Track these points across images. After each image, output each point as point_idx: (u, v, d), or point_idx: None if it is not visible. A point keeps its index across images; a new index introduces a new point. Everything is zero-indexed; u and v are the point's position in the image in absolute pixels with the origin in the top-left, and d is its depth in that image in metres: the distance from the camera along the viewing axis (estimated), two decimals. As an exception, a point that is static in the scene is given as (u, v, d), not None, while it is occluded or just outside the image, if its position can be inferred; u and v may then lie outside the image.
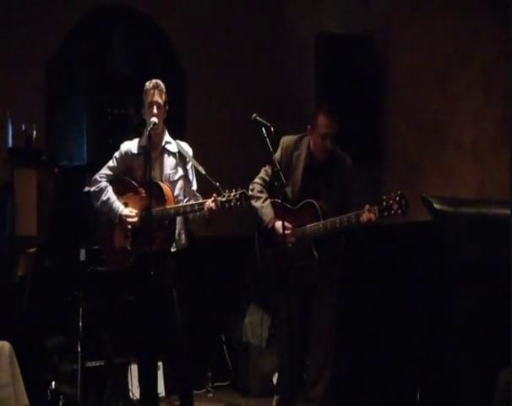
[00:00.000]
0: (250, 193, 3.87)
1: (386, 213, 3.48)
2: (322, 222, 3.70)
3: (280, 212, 3.81)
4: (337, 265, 3.93)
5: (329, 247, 3.79)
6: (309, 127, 3.86)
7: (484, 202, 3.42)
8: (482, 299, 2.91)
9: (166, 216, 3.84)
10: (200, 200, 3.86)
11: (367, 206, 3.56)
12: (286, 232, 3.67)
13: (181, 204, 3.92)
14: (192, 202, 3.89)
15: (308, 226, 3.75)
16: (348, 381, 4.55)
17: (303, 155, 3.89)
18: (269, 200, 3.96)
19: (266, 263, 3.97)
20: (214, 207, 3.70)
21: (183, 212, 3.88)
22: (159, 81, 3.98)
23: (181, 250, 4.01)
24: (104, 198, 4.00)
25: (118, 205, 3.98)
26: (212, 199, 3.72)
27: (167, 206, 3.84)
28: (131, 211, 3.94)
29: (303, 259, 3.78)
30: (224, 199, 3.68)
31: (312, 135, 3.85)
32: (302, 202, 3.81)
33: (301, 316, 3.90)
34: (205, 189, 3.95)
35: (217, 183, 3.76)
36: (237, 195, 3.67)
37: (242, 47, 5.97)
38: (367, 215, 3.54)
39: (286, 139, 3.97)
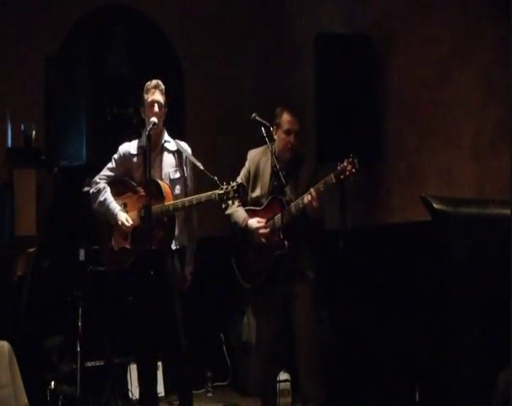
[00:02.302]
0: (223, 205, 4.00)
1: (342, 176, 3.76)
2: (286, 208, 3.95)
3: (251, 215, 4.12)
4: (312, 266, 4.10)
5: (298, 236, 3.99)
6: (274, 127, 4.12)
7: (484, 202, 3.41)
8: (482, 298, 2.90)
9: (165, 213, 3.85)
10: (198, 195, 3.88)
11: (310, 189, 3.85)
12: (260, 225, 4.01)
13: (179, 200, 3.93)
14: (190, 197, 3.91)
15: (275, 217, 3.99)
16: (348, 381, 4.54)
17: (270, 160, 4.12)
18: (241, 206, 4.18)
19: (245, 275, 4.16)
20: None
21: (182, 208, 3.88)
22: (160, 81, 4.02)
23: (181, 249, 4.01)
24: (101, 198, 4.01)
25: (115, 206, 3.99)
26: (211, 194, 3.71)
27: (166, 203, 3.86)
28: (127, 220, 3.95)
29: (276, 248, 3.98)
30: (222, 191, 3.69)
31: (277, 134, 4.13)
32: (268, 199, 4.09)
33: (282, 319, 4.07)
34: (204, 185, 3.97)
35: (215, 177, 3.77)
36: (235, 187, 3.68)
37: (242, 47, 5.97)
38: (305, 198, 3.83)
39: (252, 152, 4.28)
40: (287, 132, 4.08)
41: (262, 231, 4.01)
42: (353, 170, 3.74)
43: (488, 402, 2.77)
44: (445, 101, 4.18)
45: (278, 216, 3.96)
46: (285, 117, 4.10)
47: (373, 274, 4.62)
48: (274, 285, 4.01)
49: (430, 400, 4.00)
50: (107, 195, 4.03)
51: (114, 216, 3.97)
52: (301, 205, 3.87)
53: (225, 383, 5.47)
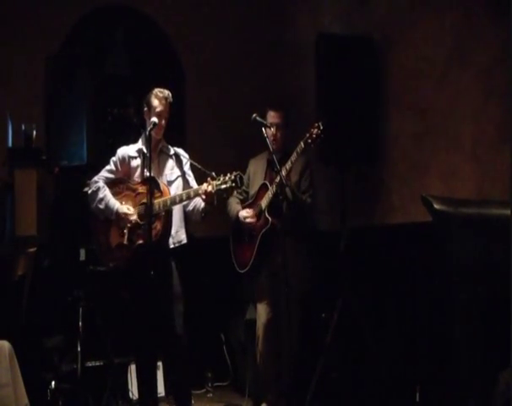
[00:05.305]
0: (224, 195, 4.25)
1: (310, 140, 4.11)
2: (269, 188, 4.32)
3: (245, 207, 4.52)
4: (305, 278, 4.40)
5: (280, 214, 4.24)
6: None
7: (484, 202, 3.42)
8: (482, 299, 2.91)
9: (163, 207, 3.87)
10: (195, 187, 3.90)
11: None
12: (248, 214, 4.41)
13: (177, 193, 3.94)
14: (187, 190, 3.93)
15: (261, 201, 4.37)
16: (348, 381, 4.55)
17: (263, 159, 4.56)
18: (237, 199, 4.59)
19: (240, 262, 4.51)
20: (210, 190, 3.72)
21: (180, 201, 3.91)
22: (170, 94, 4.05)
23: (180, 247, 4.02)
24: (101, 195, 4.03)
25: (114, 202, 4.02)
26: (207, 183, 3.73)
27: (164, 197, 3.88)
28: (128, 209, 3.97)
29: (262, 227, 4.34)
30: (219, 182, 3.69)
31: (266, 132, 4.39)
32: (257, 188, 4.47)
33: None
34: (202, 182, 3.97)
35: (213, 173, 3.78)
36: (233, 177, 3.68)
37: (242, 48, 5.97)
38: (282, 171, 4.08)
39: (251, 160, 4.68)
40: (271, 125, 4.36)
41: (249, 219, 4.39)
42: (319, 132, 4.08)
43: (488, 402, 2.78)
44: (445, 102, 4.19)
45: (263, 199, 4.36)
46: (269, 113, 4.47)
47: (374, 274, 4.62)
48: (263, 267, 4.36)
49: (430, 400, 4.00)
50: (106, 192, 4.05)
51: (115, 210, 3.98)
52: (277, 181, 4.13)
53: (225, 383, 5.46)
